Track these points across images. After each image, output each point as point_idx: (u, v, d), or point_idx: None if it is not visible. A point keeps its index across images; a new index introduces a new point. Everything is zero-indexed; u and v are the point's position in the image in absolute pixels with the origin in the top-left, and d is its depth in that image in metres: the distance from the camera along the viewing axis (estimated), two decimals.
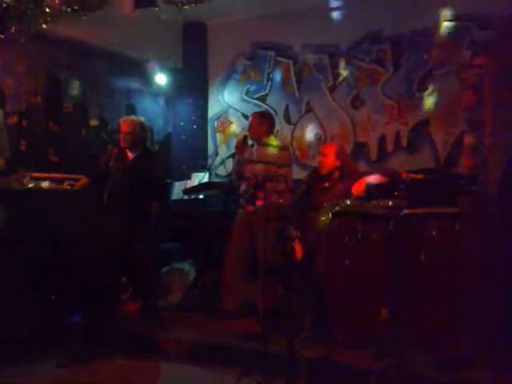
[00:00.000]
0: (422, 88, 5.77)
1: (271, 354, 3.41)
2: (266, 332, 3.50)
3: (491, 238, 3.48)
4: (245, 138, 4.73)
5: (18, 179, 4.33)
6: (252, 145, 4.74)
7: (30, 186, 4.36)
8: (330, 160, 4.38)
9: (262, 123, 4.72)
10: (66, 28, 5.43)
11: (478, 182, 3.75)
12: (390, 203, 3.54)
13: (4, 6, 4.80)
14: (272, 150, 4.61)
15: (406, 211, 3.52)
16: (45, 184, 4.48)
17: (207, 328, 4.33)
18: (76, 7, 4.64)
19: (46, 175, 4.77)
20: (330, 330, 3.65)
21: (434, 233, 3.52)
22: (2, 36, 4.97)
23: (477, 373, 3.16)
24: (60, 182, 4.73)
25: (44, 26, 4.84)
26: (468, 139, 3.97)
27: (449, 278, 3.44)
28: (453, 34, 5.52)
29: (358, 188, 4.08)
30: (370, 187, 4.04)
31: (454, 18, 5.50)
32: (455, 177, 4.62)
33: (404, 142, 5.90)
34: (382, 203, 3.57)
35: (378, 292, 3.49)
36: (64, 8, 4.66)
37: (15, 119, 5.70)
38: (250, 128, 4.77)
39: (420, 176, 4.11)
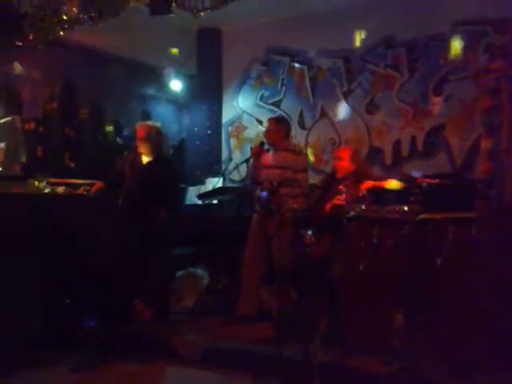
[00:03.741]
0: (438, 93, 5.74)
1: (285, 358, 3.40)
2: (279, 336, 3.48)
3: (507, 242, 3.44)
4: (261, 143, 4.73)
5: (34, 184, 4.37)
6: (268, 150, 4.74)
7: (47, 191, 4.39)
8: (345, 164, 4.36)
9: (279, 128, 4.73)
10: (83, 35, 5.49)
11: (494, 186, 3.71)
12: (406, 208, 3.52)
13: (22, 13, 4.87)
14: (289, 155, 4.61)
15: (422, 216, 3.50)
16: (61, 189, 4.52)
17: (221, 332, 4.32)
18: (93, 14, 4.68)
19: (62, 180, 4.80)
20: (344, 335, 3.62)
21: (450, 238, 3.49)
22: (20, 43, 5.04)
23: (489, 380, 3.12)
24: (76, 187, 4.76)
25: (61, 33, 4.89)
26: (484, 144, 3.94)
27: (464, 284, 3.40)
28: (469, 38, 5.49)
29: (364, 187, 4.05)
30: (377, 191, 4.02)
31: (471, 22, 5.48)
32: (471, 181, 4.58)
33: (420, 147, 5.87)
34: (397, 208, 3.55)
35: (392, 297, 3.46)
36: (81, 15, 4.71)
37: (32, 125, 5.76)
38: (267, 133, 4.78)
39: (436, 181, 4.07)
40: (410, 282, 3.40)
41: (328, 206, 4.07)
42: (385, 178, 4.34)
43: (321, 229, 4.02)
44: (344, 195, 3.94)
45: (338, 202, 3.95)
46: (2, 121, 4.93)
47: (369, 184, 4.06)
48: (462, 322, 3.37)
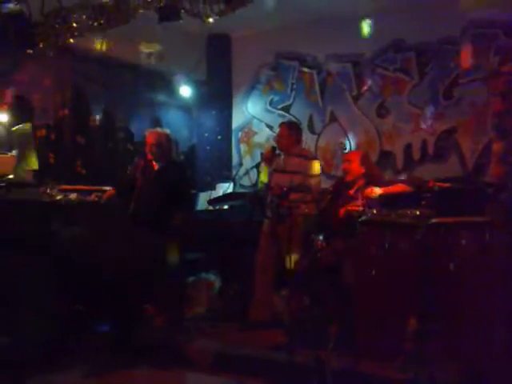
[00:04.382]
0: (448, 96, 5.71)
1: (297, 364, 3.38)
2: (291, 342, 3.47)
3: None
4: (273, 148, 4.74)
5: (46, 191, 4.40)
6: (279, 154, 4.74)
7: (59, 197, 4.42)
8: (354, 167, 4.35)
9: (291, 134, 4.74)
10: (93, 42, 5.53)
11: (506, 189, 3.69)
12: (418, 212, 3.50)
13: (33, 22, 4.92)
14: (300, 161, 4.60)
15: (434, 220, 3.47)
16: (73, 196, 4.54)
17: (233, 338, 4.31)
18: (102, 22, 4.71)
19: (74, 187, 4.83)
20: (357, 341, 3.60)
21: (463, 242, 3.46)
22: (31, 51, 5.08)
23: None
24: (87, 193, 4.78)
25: (71, 40, 4.93)
26: (496, 147, 3.92)
27: (478, 288, 3.37)
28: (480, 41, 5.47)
29: (371, 191, 4.03)
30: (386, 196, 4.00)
31: (481, 25, 5.45)
32: (483, 185, 4.55)
33: (431, 151, 5.84)
34: (409, 212, 3.53)
35: (405, 302, 3.44)
36: (91, 23, 4.75)
37: (43, 132, 5.81)
38: (279, 138, 4.78)
39: (448, 185, 4.05)
40: (423, 286, 3.37)
41: (342, 212, 4.04)
42: (395, 182, 4.33)
43: (332, 234, 4.01)
44: (360, 201, 3.91)
45: (355, 208, 3.91)
46: (14, 128, 4.97)
47: (376, 192, 4.04)
48: (476, 325, 3.34)
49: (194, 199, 6.06)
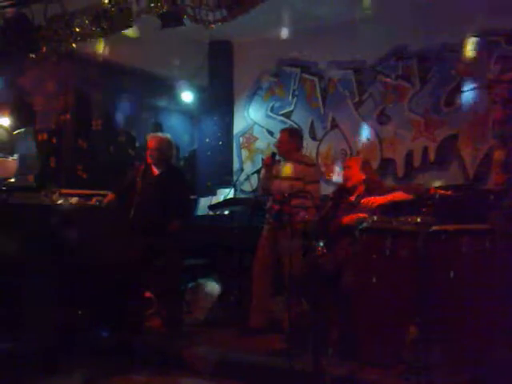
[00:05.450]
0: (450, 103, 5.72)
1: (296, 370, 3.37)
2: (291, 348, 3.46)
3: None
4: (273, 154, 4.74)
5: (47, 195, 4.40)
6: (279, 160, 4.74)
7: (59, 201, 4.42)
8: (354, 173, 4.34)
9: (291, 140, 4.73)
10: (95, 47, 5.55)
11: (507, 197, 3.69)
12: (419, 219, 3.49)
13: (36, 26, 4.93)
14: (300, 167, 4.60)
15: (435, 228, 3.47)
16: (73, 200, 4.55)
17: (232, 344, 4.30)
18: (105, 27, 4.73)
19: (75, 191, 4.83)
20: (357, 347, 3.59)
21: (463, 249, 3.46)
22: (34, 56, 5.10)
23: None
24: (88, 197, 4.78)
25: (74, 45, 4.95)
26: (497, 154, 3.92)
27: (479, 295, 3.37)
28: (481, 48, 5.48)
29: (379, 200, 4.00)
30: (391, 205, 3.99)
31: (483, 33, 5.46)
32: (484, 192, 4.55)
33: (432, 158, 5.84)
34: (410, 219, 3.52)
35: (406, 309, 3.43)
36: (93, 28, 4.76)
37: (45, 136, 5.82)
38: (280, 144, 4.77)
39: (449, 192, 4.05)
40: (424, 293, 3.37)
41: (347, 219, 4.01)
42: (395, 189, 4.32)
43: (333, 240, 4.00)
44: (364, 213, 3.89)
45: (365, 216, 3.87)
46: (16, 132, 4.98)
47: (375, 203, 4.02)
48: (477, 332, 3.33)
49: (192, 205, 6.06)
